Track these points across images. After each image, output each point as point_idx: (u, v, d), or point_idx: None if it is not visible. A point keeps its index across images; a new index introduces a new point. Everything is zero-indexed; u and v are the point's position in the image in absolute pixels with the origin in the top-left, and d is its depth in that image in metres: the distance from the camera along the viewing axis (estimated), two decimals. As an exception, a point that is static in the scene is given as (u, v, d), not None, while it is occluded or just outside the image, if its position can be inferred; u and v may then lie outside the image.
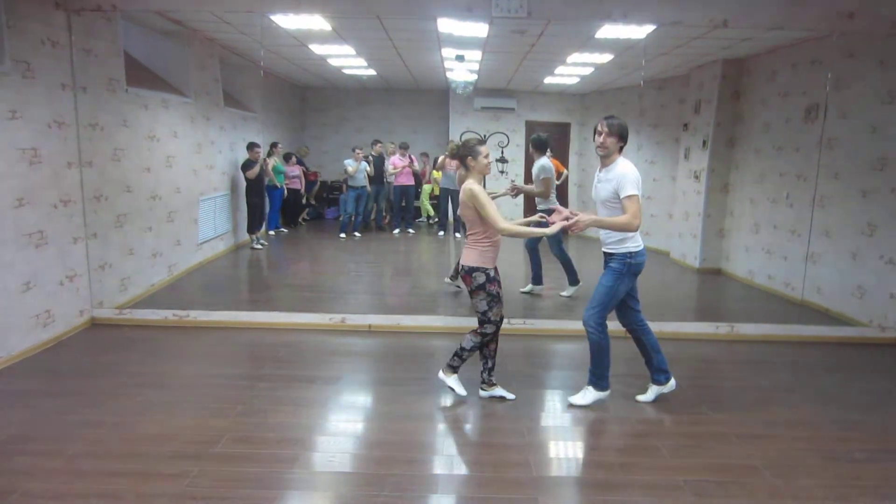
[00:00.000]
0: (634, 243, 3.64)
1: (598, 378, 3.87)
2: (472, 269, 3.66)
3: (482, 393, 3.95)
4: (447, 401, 3.92)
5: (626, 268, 3.65)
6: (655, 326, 5.30)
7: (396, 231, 10.42)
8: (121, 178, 5.61)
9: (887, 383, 4.49)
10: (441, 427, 3.60)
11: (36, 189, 4.54)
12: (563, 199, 10.92)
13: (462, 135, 11.22)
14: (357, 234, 10.01)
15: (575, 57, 7.66)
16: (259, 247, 8.70)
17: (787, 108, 6.79)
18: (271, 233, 9.67)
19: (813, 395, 4.15)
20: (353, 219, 10.01)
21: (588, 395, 3.89)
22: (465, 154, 3.71)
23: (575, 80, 9.67)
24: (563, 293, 6.52)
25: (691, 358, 4.90)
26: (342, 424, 3.64)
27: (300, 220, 11.16)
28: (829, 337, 5.40)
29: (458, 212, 3.81)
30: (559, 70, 8.74)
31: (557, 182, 10.11)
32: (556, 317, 5.87)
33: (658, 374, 3.94)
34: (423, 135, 12.30)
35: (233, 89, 8.92)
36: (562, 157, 10.80)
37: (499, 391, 3.94)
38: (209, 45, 7.47)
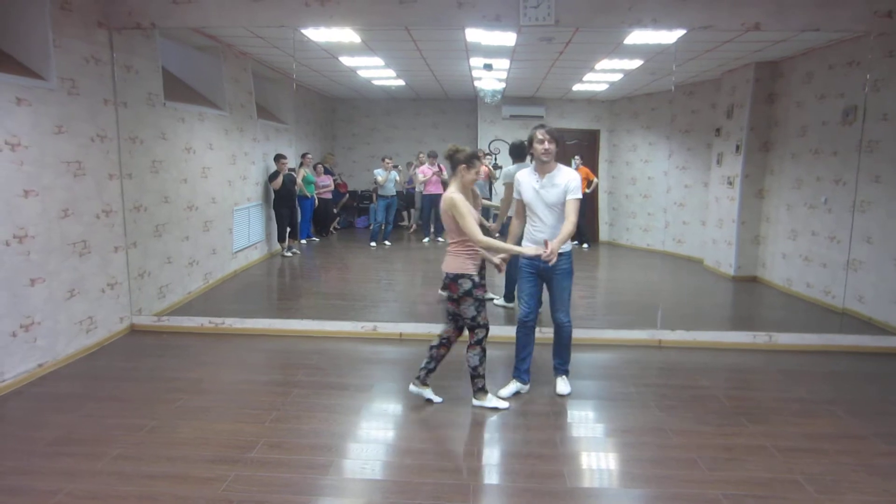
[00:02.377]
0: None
1: (567, 363, 4.20)
2: (458, 276, 3.69)
3: (412, 388, 3.99)
4: (479, 410, 3.91)
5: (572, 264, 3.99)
6: (691, 336, 5.28)
7: (426, 240, 10.46)
8: (159, 189, 5.76)
9: (935, 394, 4.33)
10: (473, 436, 3.60)
11: (80, 200, 4.70)
12: (593, 206, 10.88)
13: (490, 143, 11.25)
14: (387, 242, 10.08)
15: (604, 63, 7.62)
16: (290, 255, 8.82)
17: (824, 111, 6.64)
18: (303, 242, 9.79)
19: (856, 407, 4.01)
20: (383, 228, 10.08)
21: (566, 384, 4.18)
22: (463, 161, 3.73)
23: (604, 87, 9.60)
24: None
25: (728, 368, 4.81)
26: (374, 432, 3.66)
27: (331, 229, 11.29)
28: (873, 347, 5.24)
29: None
30: (588, 77, 8.69)
31: (588, 191, 10.08)
32: (584, 326, 5.81)
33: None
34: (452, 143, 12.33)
35: (266, 101, 9.08)
36: (591, 164, 10.73)
37: (428, 393, 3.98)
38: (243, 59, 7.64)
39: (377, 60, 7.77)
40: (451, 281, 3.72)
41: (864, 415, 3.88)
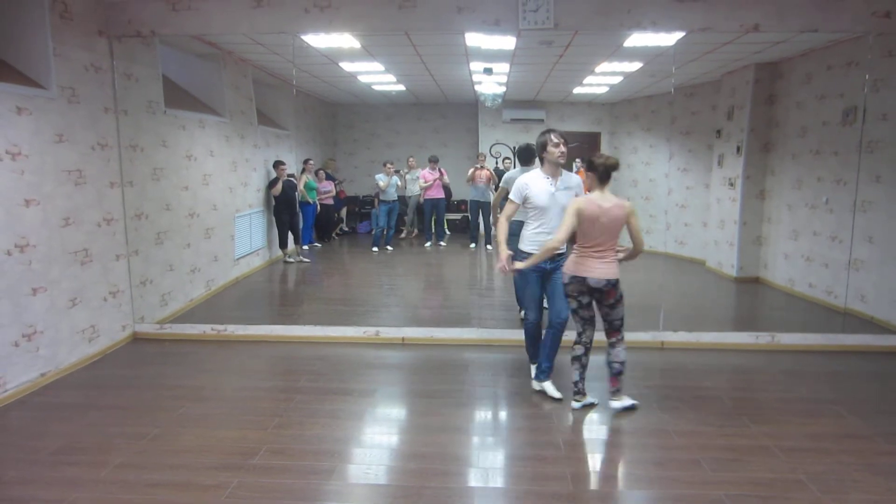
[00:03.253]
0: None
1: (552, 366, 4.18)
2: (618, 281, 3.76)
3: (576, 405, 3.95)
4: (482, 413, 3.91)
5: None
6: (693, 337, 5.27)
7: (428, 244, 10.47)
8: (160, 197, 5.77)
9: (939, 393, 4.32)
10: (476, 439, 3.60)
11: (81, 208, 4.71)
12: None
13: (491, 147, 11.26)
14: (389, 247, 10.09)
15: (603, 66, 7.63)
16: (291, 261, 8.83)
17: (824, 112, 6.65)
18: (305, 247, 9.79)
19: (859, 406, 4.01)
20: (385, 232, 10.09)
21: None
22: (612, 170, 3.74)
23: (604, 90, 9.62)
24: None
25: (731, 369, 4.80)
26: (377, 437, 3.66)
27: (333, 234, 11.31)
28: (875, 346, 5.23)
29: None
30: (588, 80, 8.71)
31: (588, 193, 10.06)
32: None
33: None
34: (453, 148, 12.35)
35: (266, 108, 9.11)
36: (592, 166, 10.71)
37: (589, 399, 3.98)
38: (243, 65, 7.67)
39: (377, 66, 7.79)
40: (613, 287, 3.74)
41: (867, 414, 3.87)
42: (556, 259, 3.97)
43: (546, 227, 3.94)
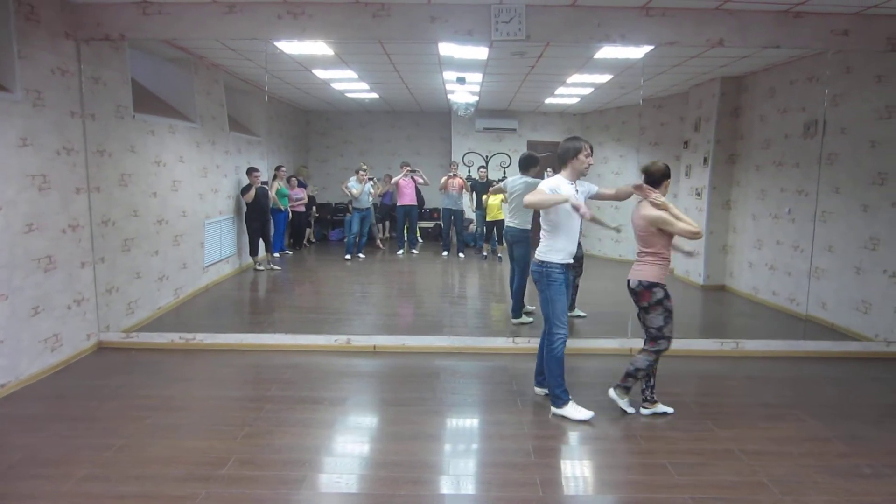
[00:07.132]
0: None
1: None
2: (651, 285, 3.98)
3: (643, 411, 4.04)
4: (453, 420, 3.93)
5: None
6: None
7: (400, 252, 10.47)
8: (128, 203, 5.68)
9: (894, 397, 4.47)
10: (447, 447, 3.61)
11: (45, 214, 4.61)
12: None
13: (464, 156, 11.32)
14: (361, 255, 10.06)
15: (575, 77, 7.76)
16: (261, 268, 8.74)
17: (787, 125, 6.86)
18: (276, 255, 9.71)
19: (819, 410, 4.13)
20: (357, 240, 10.06)
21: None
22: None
23: (575, 100, 9.77)
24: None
25: (696, 374, 4.90)
26: (348, 445, 3.64)
27: (305, 242, 11.23)
28: (835, 352, 5.39)
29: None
30: (559, 90, 8.85)
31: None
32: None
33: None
34: (427, 156, 12.41)
35: (238, 114, 9.04)
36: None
37: (661, 408, 4.06)
38: (214, 71, 7.60)
39: (350, 73, 7.80)
40: (639, 290, 3.98)
41: (827, 418, 3.99)
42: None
43: (573, 232, 3.96)
